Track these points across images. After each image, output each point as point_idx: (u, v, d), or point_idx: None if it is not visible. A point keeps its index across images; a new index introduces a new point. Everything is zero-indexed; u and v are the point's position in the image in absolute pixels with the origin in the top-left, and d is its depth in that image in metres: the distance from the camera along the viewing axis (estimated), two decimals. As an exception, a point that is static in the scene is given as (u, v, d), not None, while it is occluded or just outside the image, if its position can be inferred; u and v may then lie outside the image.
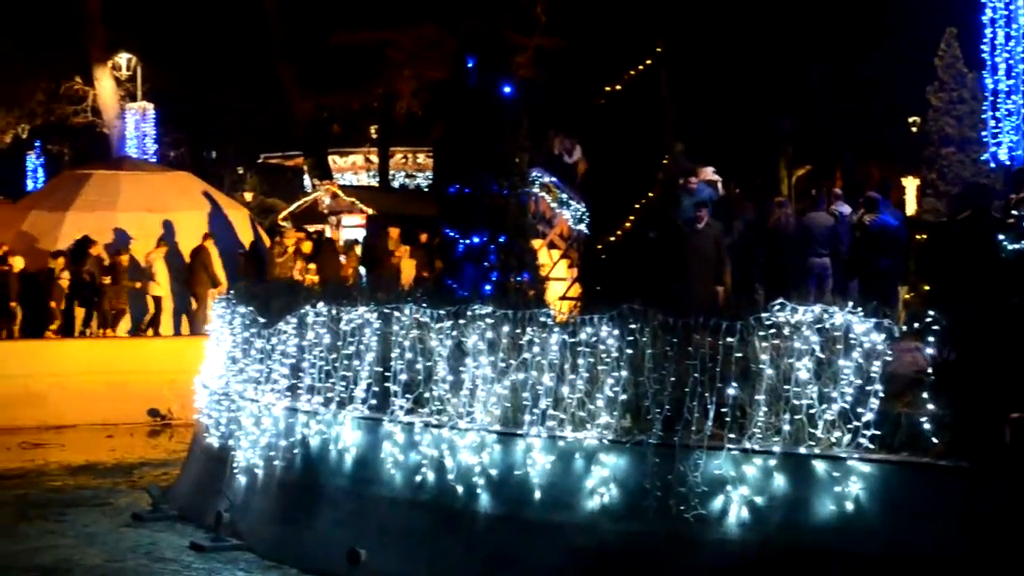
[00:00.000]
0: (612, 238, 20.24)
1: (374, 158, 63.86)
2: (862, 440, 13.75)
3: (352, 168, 67.99)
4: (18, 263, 34.07)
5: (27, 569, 18.68)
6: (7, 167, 69.39)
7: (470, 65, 22.02)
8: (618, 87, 20.16)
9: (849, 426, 13.88)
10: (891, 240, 21.62)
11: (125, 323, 35.03)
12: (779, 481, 14.01)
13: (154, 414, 32.77)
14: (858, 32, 33.41)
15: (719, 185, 26.15)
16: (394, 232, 35.35)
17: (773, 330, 14.43)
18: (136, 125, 53.62)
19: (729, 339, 14.62)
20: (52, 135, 63.45)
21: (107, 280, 34.40)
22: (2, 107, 54.65)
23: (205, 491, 21.66)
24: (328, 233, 44.98)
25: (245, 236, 37.60)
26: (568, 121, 32.03)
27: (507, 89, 21.96)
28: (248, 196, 63.83)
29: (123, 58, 53.80)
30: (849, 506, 13.52)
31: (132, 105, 53.67)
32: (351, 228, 49.41)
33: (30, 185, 67.39)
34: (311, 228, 45.91)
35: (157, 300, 34.96)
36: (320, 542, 18.21)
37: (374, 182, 62.51)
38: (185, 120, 61.37)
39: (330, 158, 62.42)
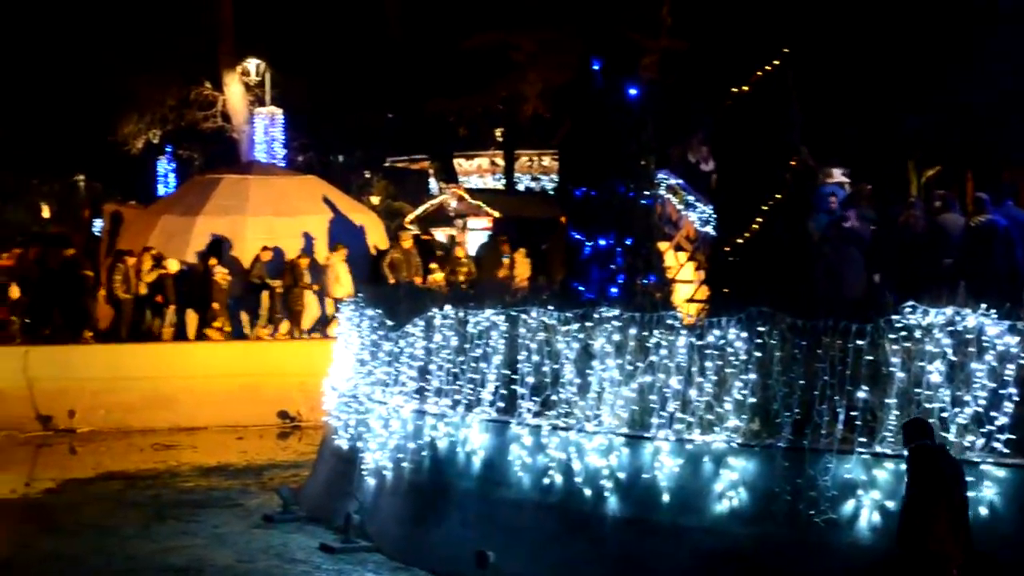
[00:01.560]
0: (740, 240, 20.13)
1: (499, 161, 63.87)
2: (996, 444, 13.57)
3: (478, 171, 68.05)
4: (173, 265, 34.65)
5: (161, 569, 18.96)
6: (139, 172, 70.46)
7: (596, 67, 22.00)
8: (745, 88, 20.03)
9: (983, 430, 13.71)
10: (999, 241, 21.24)
11: (304, 324, 35.41)
12: (911, 486, 13.84)
13: (284, 416, 33.03)
14: (992, 31, 32.90)
15: (846, 187, 25.93)
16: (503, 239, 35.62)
17: (904, 332, 14.29)
18: (265, 130, 54.08)
19: (859, 342, 14.50)
20: (182, 140, 64.17)
21: (278, 283, 34.80)
22: (134, 113, 55.36)
23: (334, 493, 21.83)
24: (456, 236, 45.12)
25: (373, 240, 37.79)
26: (695, 124, 31.91)
27: (633, 91, 21.91)
28: (375, 199, 64.21)
29: (252, 64, 54.32)
30: (983, 511, 13.34)
31: (261, 110, 54.14)
32: (477, 231, 49.54)
33: (161, 190, 68.32)
34: (437, 231, 46.15)
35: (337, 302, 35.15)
36: (448, 544, 18.29)
37: (499, 185, 62.54)
38: (313, 125, 61.84)
39: (456, 161, 62.53)
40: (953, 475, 12.67)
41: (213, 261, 34.63)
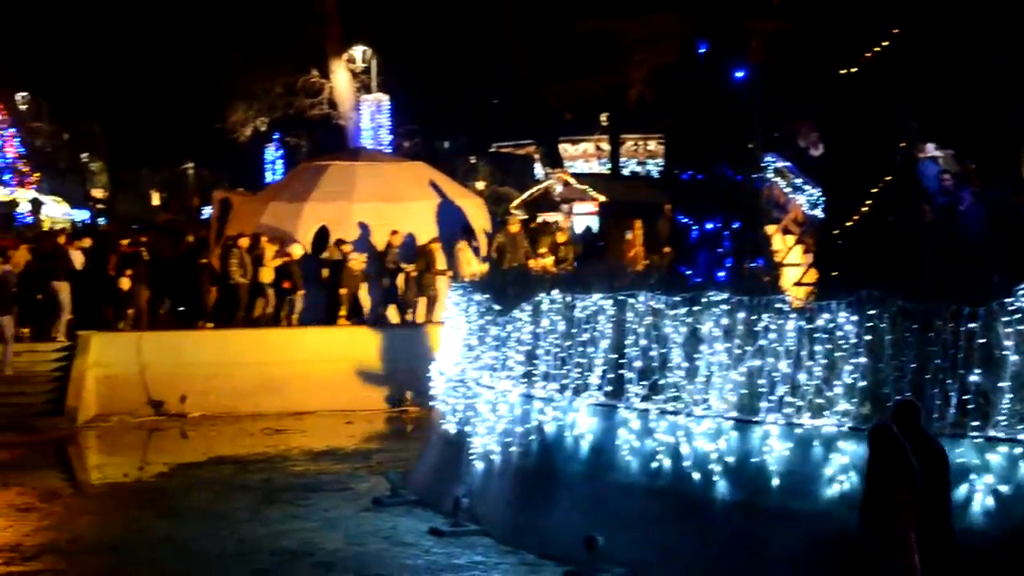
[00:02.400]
0: (849, 223, 19.95)
1: (605, 146, 63.86)
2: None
3: (583, 156, 68.04)
4: (297, 251, 35.00)
5: (272, 552, 19.14)
6: (247, 160, 71.18)
7: (702, 50, 21.89)
8: (854, 70, 19.85)
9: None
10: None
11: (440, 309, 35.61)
12: (1025, 470, 13.71)
13: (392, 400, 33.18)
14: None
15: (940, 161, 25.53)
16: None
17: (1017, 315, 14.11)
18: (371, 116, 54.43)
19: (972, 325, 14.34)
20: (290, 128, 64.71)
21: (412, 267, 35.06)
22: (242, 101, 55.87)
23: (443, 477, 21.92)
24: (560, 220, 45.11)
25: (479, 225, 37.83)
26: (803, 107, 31.63)
27: (740, 74, 21.78)
28: (480, 185, 64.37)
29: (358, 51, 54.64)
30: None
31: (367, 97, 54.47)
32: (583, 216, 49.57)
33: (269, 177, 69.00)
34: (543, 216, 46.17)
35: None
36: (556, 528, 18.33)
37: (605, 170, 62.50)
38: (419, 111, 62.11)
39: (561, 146, 62.60)
40: (930, 460, 12.80)
41: (348, 247, 34.85)
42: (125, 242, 36.73)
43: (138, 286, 34.21)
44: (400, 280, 35.31)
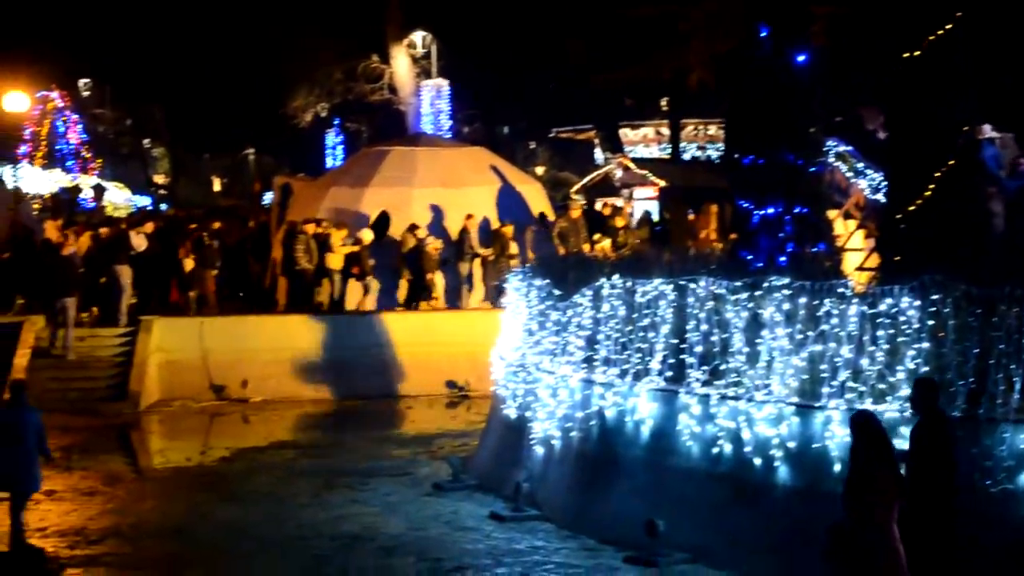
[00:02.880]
0: (912, 207, 19.81)
1: (665, 130, 63.61)
2: None
3: (643, 140, 67.81)
4: (367, 236, 35.30)
5: (334, 536, 19.23)
6: (308, 145, 71.46)
7: (763, 34, 21.78)
8: (916, 53, 19.71)
9: None
10: None
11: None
12: (1091, 456, 13.60)
13: (452, 386, 33.24)
14: None
15: (996, 142, 25.27)
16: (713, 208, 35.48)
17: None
18: (431, 102, 54.48)
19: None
20: (350, 113, 64.93)
21: (489, 251, 35.24)
22: (303, 87, 56.08)
23: (503, 462, 21.95)
24: (620, 205, 45.00)
25: (538, 210, 37.83)
26: (865, 91, 31.43)
27: (801, 58, 21.66)
28: (540, 170, 64.38)
29: (418, 36, 54.70)
30: None
31: (427, 82, 54.53)
32: (643, 201, 49.40)
33: (329, 162, 69.25)
34: (602, 201, 46.07)
35: None
36: (617, 513, 18.32)
37: (665, 154, 62.29)
38: (478, 96, 62.14)
39: (621, 131, 62.41)
40: (939, 441, 13.16)
41: (423, 232, 34.96)
42: (193, 227, 37.00)
43: (204, 270, 34.45)
44: (476, 264, 35.42)
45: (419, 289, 34.88)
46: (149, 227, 36.61)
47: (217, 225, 38.58)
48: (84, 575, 17.85)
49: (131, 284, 33.55)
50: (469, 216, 35.50)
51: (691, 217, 36.69)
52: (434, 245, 34.87)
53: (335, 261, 34.63)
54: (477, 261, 35.38)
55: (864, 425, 13.14)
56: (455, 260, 35.46)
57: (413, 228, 35.14)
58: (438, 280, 35.36)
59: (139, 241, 34.48)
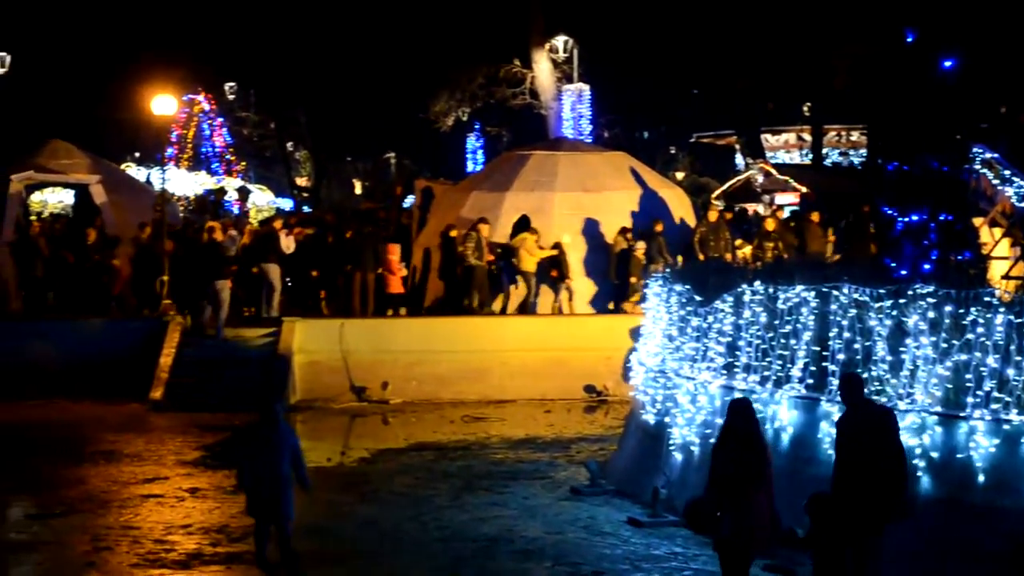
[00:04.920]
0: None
1: (807, 136, 63.25)
2: None
3: (784, 146, 67.53)
4: (566, 239, 35.52)
5: (473, 538, 19.33)
6: (448, 149, 71.80)
7: (909, 39, 21.60)
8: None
9: None
10: None
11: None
12: None
13: (590, 390, 33.21)
14: None
15: None
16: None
17: None
18: (572, 106, 54.50)
19: None
20: (491, 117, 65.15)
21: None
22: (444, 91, 56.36)
23: (641, 467, 21.91)
24: (762, 211, 44.75)
25: (679, 215, 37.73)
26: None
27: (948, 63, 21.44)
28: (680, 175, 64.14)
29: (560, 41, 54.75)
30: None
31: (569, 87, 54.56)
32: (784, 207, 49.08)
33: (469, 166, 69.51)
34: (742, 207, 45.86)
35: None
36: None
37: (806, 160, 61.90)
38: (619, 100, 62.08)
39: (762, 136, 62.13)
40: (869, 429, 14.40)
41: (630, 235, 35.09)
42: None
43: (360, 272, 34.92)
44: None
45: (625, 290, 34.92)
46: (309, 230, 37.48)
47: (368, 229, 38.83)
48: (227, 572, 18.09)
49: (280, 281, 34.13)
50: (657, 220, 35.70)
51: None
52: (642, 249, 34.88)
53: (529, 264, 34.80)
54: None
55: (737, 410, 14.55)
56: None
57: (624, 231, 35.22)
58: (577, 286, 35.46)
59: (288, 242, 34.98)
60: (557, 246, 35.23)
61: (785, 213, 43.29)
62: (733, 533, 14.09)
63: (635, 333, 28.52)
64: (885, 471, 14.21)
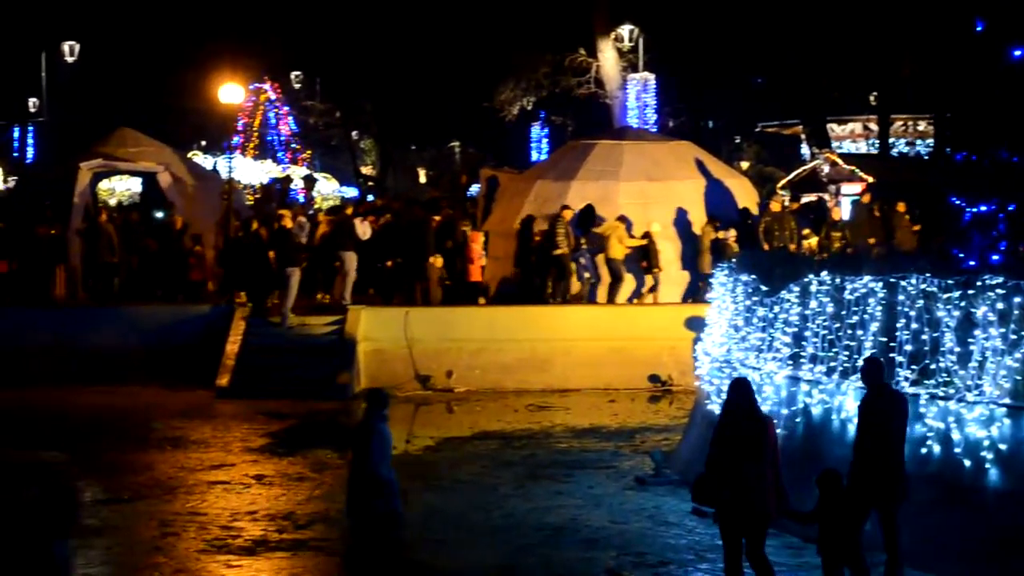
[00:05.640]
0: None
1: (873, 126, 62.79)
2: None
3: (850, 136, 67.02)
4: (656, 229, 35.42)
5: (537, 527, 19.40)
6: (513, 138, 71.82)
7: (979, 29, 21.43)
8: None
9: None
10: None
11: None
12: None
13: (655, 380, 33.13)
14: None
15: None
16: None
17: None
18: (637, 95, 54.38)
19: None
20: (555, 106, 65.06)
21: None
22: (510, 80, 56.35)
23: (704, 456, 21.83)
24: (828, 202, 44.47)
25: (744, 205, 37.55)
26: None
27: (1018, 53, 21.27)
28: (745, 165, 63.91)
29: (625, 30, 54.61)
30: None
31: (634, 76, 54.43)
32: (850, 197, 48.79)
33: (534, 156, 69.50)
34: (807, 197, 45.59)
35: None
36: (822, 512, 18.11)
37: (873, 150, 61.47)
38: (683, 90, 61.90)
39: (828, 126, 61.71)
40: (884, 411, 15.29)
41: (717, 223, 35.19)
42: (437, 219, 37.39)
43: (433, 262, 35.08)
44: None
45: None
46: (383, 219, 37.64)
47: (438, 218, 38.90)
48: (292, 559, 18.22)
49: (355, 268, 34.29)
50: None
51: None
52: (734, 236, 34.84)
53: (618, 252, 34.86)
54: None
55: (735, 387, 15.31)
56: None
57: (712, 220, 35.16)
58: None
59: (363, 229, 35.04)
60: (647, 235, 35.16)
61: (843, 210, 43.04)
62: (732, 505, 14.66)
63: (693, 323, 28.60)
64: (892, 451, 15.14)
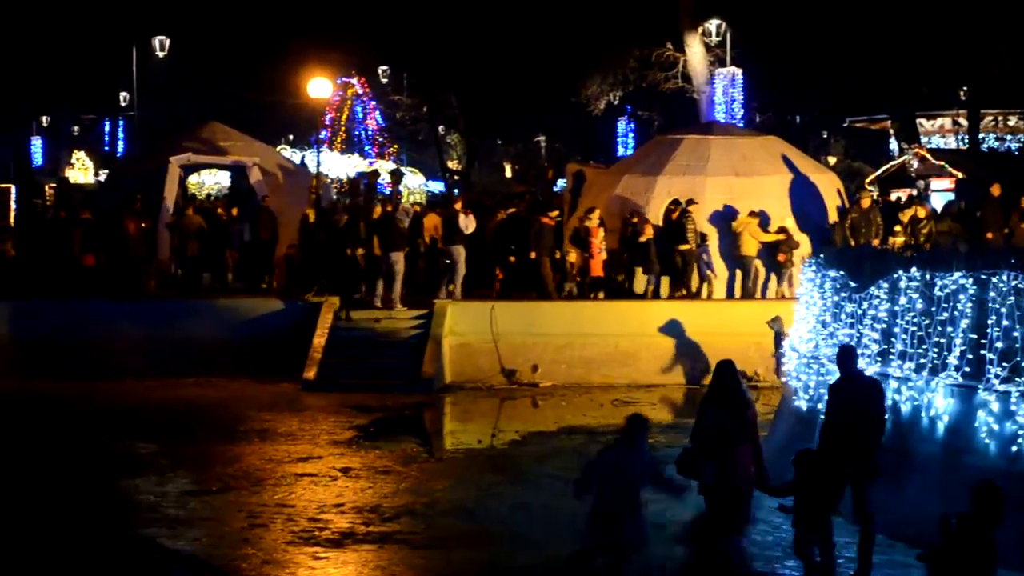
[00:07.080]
0: None
1: (963, 121, 62.28)
2: None
3: (939, 131, 66.60)
4: (790, 224, 35.51)
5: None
6: (599, 133, 71.76)
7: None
8: None
9: None
10: None
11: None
12: None
13: (741, 376, 32.94)
14: None
15: None
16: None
17: None
18: (725, 90, 54.14)
19: None
20: (642, 101, 64.96)
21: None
22: (596, 74, 56.29)
23: (792, 453, 21.72)
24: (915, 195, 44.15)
25: (831, 201, 37.32)
26: None
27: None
28: (832, 160, 63.50)
29: (713, 24, 54.38)
30: None
31: (721, 70, 54.20)
32: (939, 192, 48.44)
33: (620, 150, 69.41)
34: (897, 193, 45.29)
35: None
36: (908, 509, 18.01)
37: (962, 145, 60.98)
38: (771, 84, 61.58)
39: (917, 121, 61.26)
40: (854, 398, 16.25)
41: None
42: (554, 214, 37.34)
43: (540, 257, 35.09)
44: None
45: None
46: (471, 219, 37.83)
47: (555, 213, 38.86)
48: (379, 551, 18.31)
49: (463, 262, 34.46)
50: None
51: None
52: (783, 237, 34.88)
53: (751, 248, 34.90)
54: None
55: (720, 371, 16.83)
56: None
57: (753, 215, 35.12)
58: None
59: (467, 222, 35.04)
60: (783, 230, 34.99)
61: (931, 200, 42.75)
62: (715, 480, 15.93)
63: (775, 322, 28.49)
64: (863, 435, 16.10)
